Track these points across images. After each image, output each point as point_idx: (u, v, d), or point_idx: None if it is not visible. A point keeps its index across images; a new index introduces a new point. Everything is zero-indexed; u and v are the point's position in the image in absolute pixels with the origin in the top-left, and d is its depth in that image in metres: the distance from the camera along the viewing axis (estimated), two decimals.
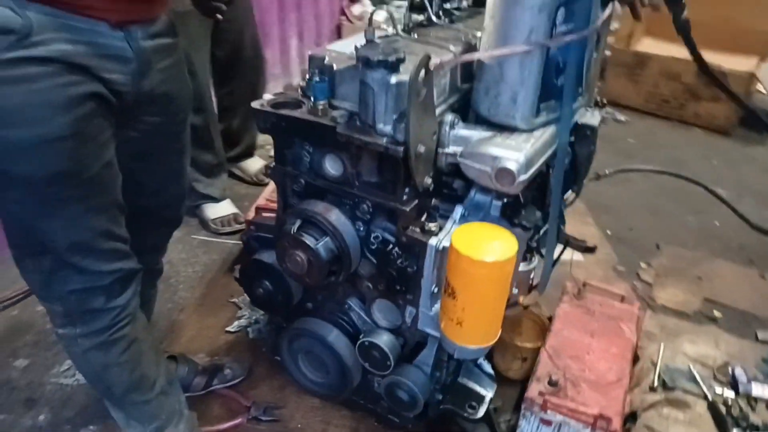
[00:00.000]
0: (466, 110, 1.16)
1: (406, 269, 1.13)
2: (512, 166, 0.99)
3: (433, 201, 1.18)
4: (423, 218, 1.12)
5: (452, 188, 1.18)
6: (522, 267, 1.21)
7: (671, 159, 2.96)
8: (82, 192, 0.95)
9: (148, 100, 1.03)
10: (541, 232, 1.25)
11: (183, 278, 1.97)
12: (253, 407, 1.49)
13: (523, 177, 1.00)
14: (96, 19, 0.89)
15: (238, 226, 2.18)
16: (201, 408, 1.47)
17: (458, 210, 1.14)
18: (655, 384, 1.65)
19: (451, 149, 1.08)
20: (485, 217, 1.15)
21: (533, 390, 1.35)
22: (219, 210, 2.21)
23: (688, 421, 1.56)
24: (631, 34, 3.58)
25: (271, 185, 1.75)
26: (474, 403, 1.37)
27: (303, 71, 3.32)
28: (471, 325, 1.04)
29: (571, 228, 2.20)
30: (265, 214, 1.74)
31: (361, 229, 1.14)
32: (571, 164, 1.37)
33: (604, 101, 1.51)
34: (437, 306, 1.13)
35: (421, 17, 1.28)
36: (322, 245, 1.10)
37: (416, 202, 1.09)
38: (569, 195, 1.47)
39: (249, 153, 2.49)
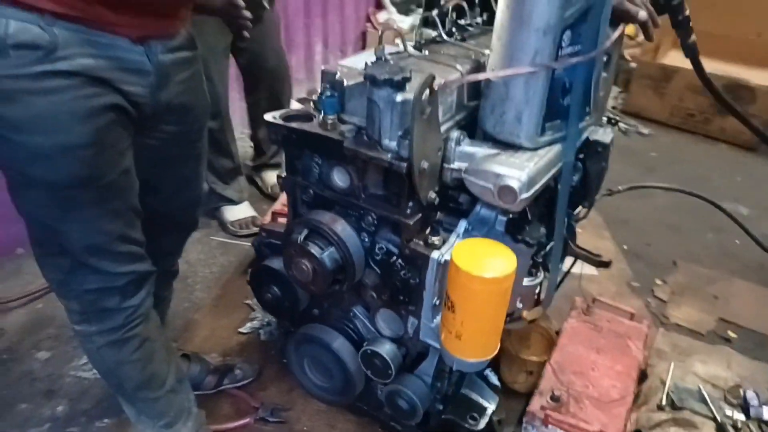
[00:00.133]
0: (474, 127, 1.19)
1: (409, 281, 1.15)
2: (514, 184, 1.01)
3: (439, 215, 1.20)
4: (427, 231, 1.15)
5: (458, 202, 1.20)
6: (526, 282, 1.22)
7: (694, 174, 2.92)
8: (100, 197, 1.00)
9: (166, 110, 1.08)
10: (548, 247, 1.27)
11: (200, 278, 2.03)
12: (261, 408, 1.53)
13: (525, 195, 1.02)
14: (117, 35, 0.93)
15: (255, 229, 2.22)
16: (211, 406, 1.52)
17: (462, 224, 1.16)
18: (663, 403, 1.63)
19: (456, 165, 1.11)
20: (489, 231, 1.17)
21: (535, 404, 1.36)
22: (237, 213, 2.26)
23: None
24: (658, 47, 3.54)
25: None
26: (475, 415, 1.39)
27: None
28: (469, 339, 1.06)
29: (587, 242, 2.21)
30: (280, 219, 1.79)
31: (366, 240, 1.17)
32: (582, 180, 1.38)
33: (617, 119, 1.52)
34: (438, 318, 1.16)
35: (434, 33, 1.30)
36: (327, 255, 1.13)
37: (420, 215, 1.12)
38: (580, 210, 1.48)
39: (275, 164, 2.50)
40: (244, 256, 2.15)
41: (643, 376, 1.66)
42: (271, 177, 2.50)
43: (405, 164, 1.01)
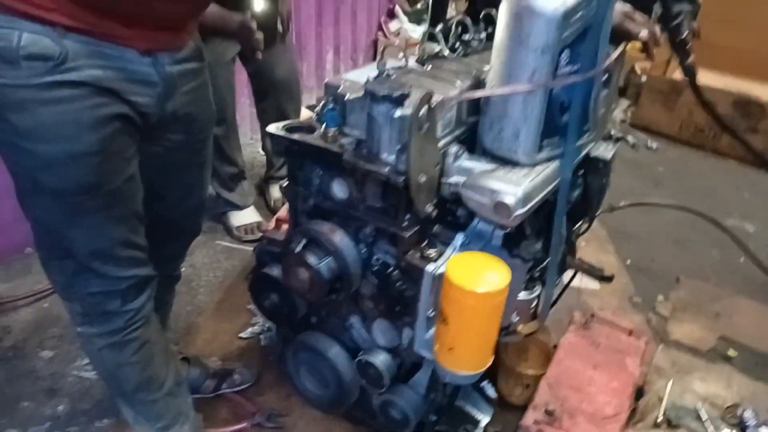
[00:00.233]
0: (475, 141, 1.20)
1: (405, 292, 1.17)
2: (509, 200, 1.02)
3: (437, 227, 1.21)
4: (423, 244, 1.16)
5: (456, 216, 1.21)
6: (523, 296, 1.23)
7: (701, 189, 2.91)
8: (105, 203, 1.02)
9: (172, 119, 1.10)
10: (546, 262, 1.28)
11: (204, 282, 2.06)
12: (258, 413, 1.55)
13: (520, 211, 1.03)
14: (126, 47, 0.96)
15: (261, 234, 2.25)
16: (208, 410, 1.54)
17: (459, 238, 1.18)
18: (660, 420, 1.63)
19: (454, 179, 1.12)
20: (486, 245, 1.18)
21: (529, 418, 1.37)
22: (243, 218, 2.29)
23: None
24: (669, 61, 3.53)
25: None
26: (469, 427, 1.40)
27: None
28: (461, 352, 1.07)
29: (590, 255, 2.21)
30: (284, 226, 1.81)
31: (364, 250, 1.19)
32: (583, 196, 1.39)
33: (619, 135, 1.52)
34: (432, 330, 1.17)
35: (437, 48, 1.32)
36: (324, 265, 1.15)
37: (417, 228, 1.13)
38: (581, 225, 1.49)
39: (280, 177, 2.45)
40: (248, 261, 2.17)
41: (640, 393, 1.66)
42: (275, 191, 2.48)
43: (402, 178, 1.03)
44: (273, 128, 1.18)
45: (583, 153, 1.27)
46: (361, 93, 1.09)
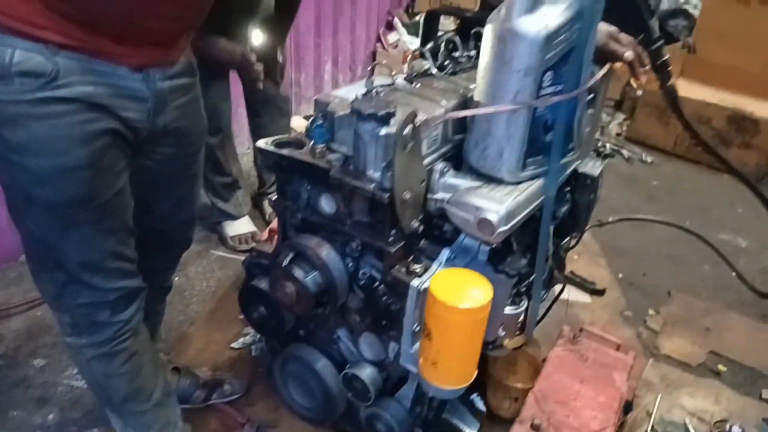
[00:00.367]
0: (461, 159, 1.22)
1: (391, 306, 1.18)
2: (492, 217, 1.04)
3: (423, 243, 1.23)
4: (409, 259, 1.18)
5: (442, 231, 1.23)
6: (509, 310, 1.24)
7: (695, 204, 2.92)
8: (96, 216, 1.04)
9: (163, 134, 1.12)
10: (532, 277, 1.29)
11: (197, 292, 2.07)
12: (247, 424, 1.56)
13: (503, 228, 1.05)
14: (117, 63, 0.98)
15: (255, 244, 2.26)
16: (198, 420, 1.54)
17: (445, 253, 1.19)
18: None
19: (439, 195, 1.14)
20: (472, 261, 1.19)
21: None
22: (237, 228, 2.30)
23: None
24: None
25: None
26: None
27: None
28: (445, 367, 1.08)
29: (582, 269, 2.23)
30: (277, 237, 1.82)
31: (351, 264, 1.21)
32: (571, 212, 1.40)
33: (607, 152, 1.54)
34: (417, 344, 1.18)
35: (427, 65, 1.34)
36: (310, 279, 1.17)
37: (402, 243, 1.15)
38: (569, 240, 1.50)
39: (272, 193, 2.49)
40: (241, 271, 2.14)
41: (629, 407, 1.67)
42: (268, 205, 2.44)
43: (387, 194, 1.04)
44: (262, 143, 1.19)
45: (570, 170, 1.29)
46: (349, 110, 1.11)
